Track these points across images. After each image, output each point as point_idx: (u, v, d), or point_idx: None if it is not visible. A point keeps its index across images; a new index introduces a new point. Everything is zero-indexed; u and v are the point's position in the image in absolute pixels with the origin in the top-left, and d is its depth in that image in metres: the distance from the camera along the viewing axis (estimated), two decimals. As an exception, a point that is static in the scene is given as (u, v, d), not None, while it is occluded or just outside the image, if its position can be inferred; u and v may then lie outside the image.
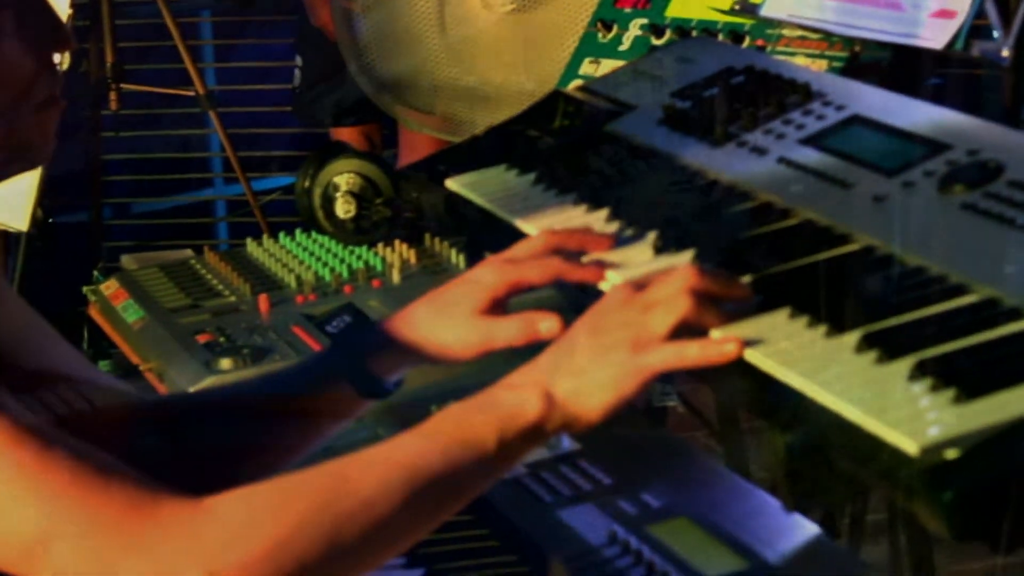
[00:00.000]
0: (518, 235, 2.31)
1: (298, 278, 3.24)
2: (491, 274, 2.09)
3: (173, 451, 2.12)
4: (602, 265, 2.09)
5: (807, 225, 2.00)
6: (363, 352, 2.15)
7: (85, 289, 3.55)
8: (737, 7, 2.73)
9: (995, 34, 2.41)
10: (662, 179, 2.30)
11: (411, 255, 3.31)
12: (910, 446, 1.59)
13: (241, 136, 7.61)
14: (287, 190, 6.52)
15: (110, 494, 1.63)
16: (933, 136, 1.99)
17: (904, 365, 1.66)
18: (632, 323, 1.79)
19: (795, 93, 2.26)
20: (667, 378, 2.84)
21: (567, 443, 2.86)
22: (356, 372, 2.14)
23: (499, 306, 2.09)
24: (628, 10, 3.05)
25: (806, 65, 2.66)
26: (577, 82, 3.17)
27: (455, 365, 2.16)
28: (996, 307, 1.69)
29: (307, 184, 3.41)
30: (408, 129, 5.24)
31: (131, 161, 8.03)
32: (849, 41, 2.67)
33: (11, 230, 5.09)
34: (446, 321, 2.10)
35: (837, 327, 1.76)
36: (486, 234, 2.57)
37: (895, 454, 1.60)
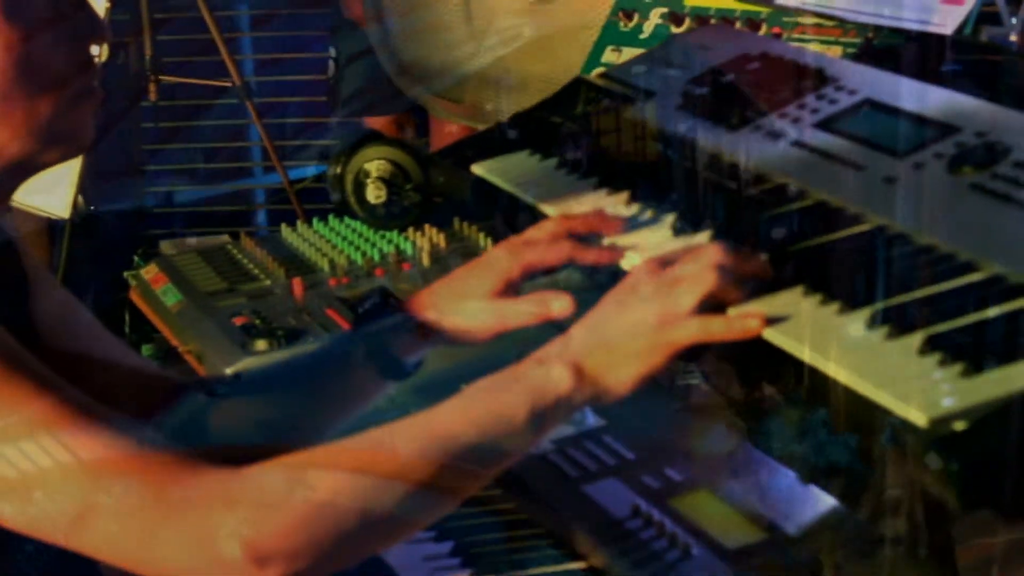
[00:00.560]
0: (542, 218, 2.33)
1: (331, 262, 3.26)
2: (505, 257, 2.11)
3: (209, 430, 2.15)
4: (616, 247, 2.12)
5: (821, 206, 2.01)
6: (384, 333, 2.18)
7: (126, 274, 3.59)
8: (755, -5, 2.75)
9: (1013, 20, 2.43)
10: (680, 163, 2.32)
11: (440, 239, 3.33)
12: (919, 418, 1.61)
13: (277, 125, 7.64)
14: (321, 178, 6.55)
15: (151, 465, 1.66)
16: (942, 119, 2.00)
17: (914, 340, 1.67)
18: (658, 298, 1.81)
19: (809, 79, 2.27)
20: (691, 356, 2.85)
21: (592, 420, 2.88)
22: (377, 353, 2.17)
23: (513, 288, 2.11)
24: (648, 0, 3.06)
25: (821, 51, 2.67)
26: (599, 70, 3.18)
27: (472, 345, 2.19)
28: (1003, 284, 1.71)
29: (339, 170, 3.44)
30: (437, 117, 5.26)
31: (171, 151, 8.07)
32: (862, 28, 2.68)
33: (53, 217, 5.14)
34: (462, 303, 2.13)
35: (849, 304, 1.77)
36: (512, 217, 2.60)
37: (906, 426, 1.62)
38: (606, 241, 2.13)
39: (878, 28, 2.62)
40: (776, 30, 2.79)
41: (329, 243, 3.46)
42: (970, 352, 1.60)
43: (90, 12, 1.80)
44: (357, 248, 3.37)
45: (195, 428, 2.16)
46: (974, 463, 1.70)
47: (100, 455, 1.64)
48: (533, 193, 2.41)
